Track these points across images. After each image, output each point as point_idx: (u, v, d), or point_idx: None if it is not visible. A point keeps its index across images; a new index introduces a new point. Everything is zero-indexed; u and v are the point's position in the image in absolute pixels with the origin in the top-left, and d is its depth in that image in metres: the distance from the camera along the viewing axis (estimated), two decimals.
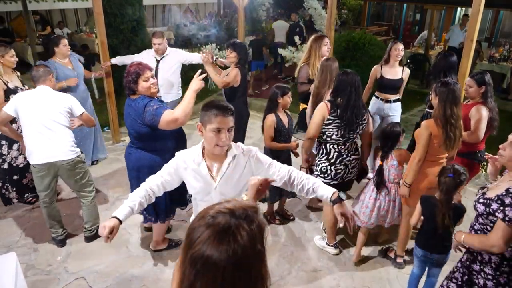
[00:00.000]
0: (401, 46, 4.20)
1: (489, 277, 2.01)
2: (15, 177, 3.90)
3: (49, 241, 3.50)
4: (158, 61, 4.58)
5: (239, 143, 2.09)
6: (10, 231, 3.66)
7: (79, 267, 3.23)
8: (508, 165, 1.96)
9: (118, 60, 4.85)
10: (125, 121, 2.95)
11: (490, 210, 1.91)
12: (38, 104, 3.09)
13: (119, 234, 3.59)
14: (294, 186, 2.03)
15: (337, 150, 3.11)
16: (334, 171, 3.15)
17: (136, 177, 3.00)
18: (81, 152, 3.31)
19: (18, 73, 3.87)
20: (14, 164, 3.85)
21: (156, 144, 2.93)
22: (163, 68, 4.59)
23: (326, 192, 1.95)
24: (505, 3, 8.34)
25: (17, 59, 3.75)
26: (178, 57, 4.68)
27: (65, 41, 4.25)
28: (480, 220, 2.01)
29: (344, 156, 3.12)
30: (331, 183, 3.11)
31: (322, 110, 3.05)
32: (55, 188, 3.37)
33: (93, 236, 3.52)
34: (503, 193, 1.87)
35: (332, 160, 3.13)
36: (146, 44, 7.30)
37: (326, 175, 3.17)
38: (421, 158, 2.84)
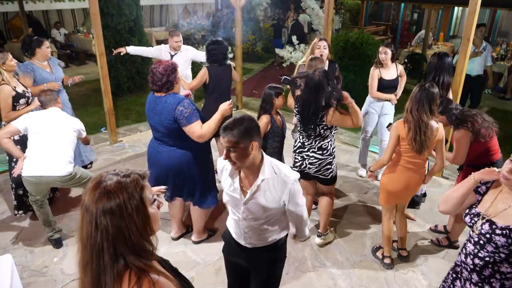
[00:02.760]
0: (385, 49, 4.21)
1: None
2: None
3: (45, 242, 3.48)
4: (172, 56, 4.90)
5: (280, 165, 1.98)
6: (6, 233, 3.65)
7: (76, 269, 3.21)
8: None
9: (133, 49, 4.95)
10: (151, 119, 2.98)
11: None
12: (50, 123, 3.20)
13: None
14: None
15: (301, 141, 3.29)
16: (294, 159, 3.37)
17: (165, 174, 3.05)
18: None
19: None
20: None
21: (185, 143, 2.94)
22: (176, 62, 4.83)
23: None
24: (502, 2, 8.33)
25: (16, 61, 3.68)
26: (189, 53, 5.02)
27: (47, 43, 4.13)
28: (491, 249, 1.83)
29: (305, 149, 3.25)
30: (293, 168, 3.28)
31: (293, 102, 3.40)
32: (47, 191, 3.38)
33: None
34: None
35: (295, 149, 3.35)
36: (143, 44, 7.28)
37: (292, 160, 3.43)
38: (390, 156, 3.03)
